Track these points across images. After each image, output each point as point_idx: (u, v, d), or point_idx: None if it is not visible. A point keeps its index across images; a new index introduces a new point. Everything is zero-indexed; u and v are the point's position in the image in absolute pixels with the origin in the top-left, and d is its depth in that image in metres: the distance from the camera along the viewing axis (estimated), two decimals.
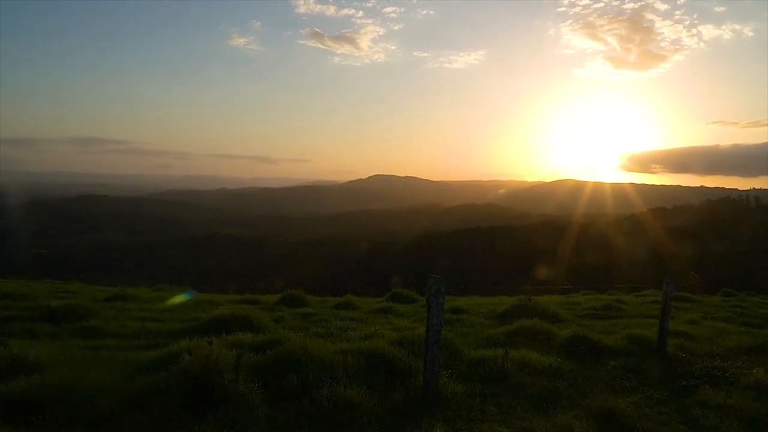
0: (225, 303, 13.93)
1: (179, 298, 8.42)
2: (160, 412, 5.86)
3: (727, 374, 9.13)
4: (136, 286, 18.06)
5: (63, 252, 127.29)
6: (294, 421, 5.98)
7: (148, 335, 9.64)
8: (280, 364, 7.10)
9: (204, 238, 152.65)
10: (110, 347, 8.44)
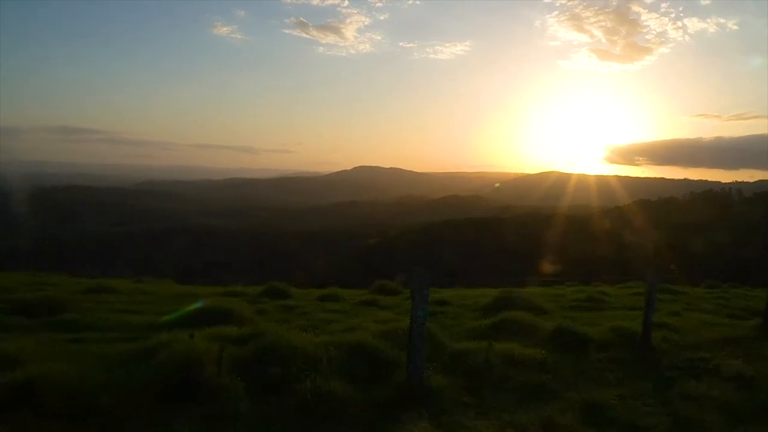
0: (207, 295, 13.82)
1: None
2: (141, 406, 5.77)
3: (710, 366, 9.16)
4: (117, 278, 17.87)
5: (41, 243, 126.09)
6: (277, 414, 5.91)
7: (128, 328, 9.50)
8: (262, 357, 7.03)
9: (186, 230, 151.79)
10: (88, 340, 8.31)
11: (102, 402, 5.74)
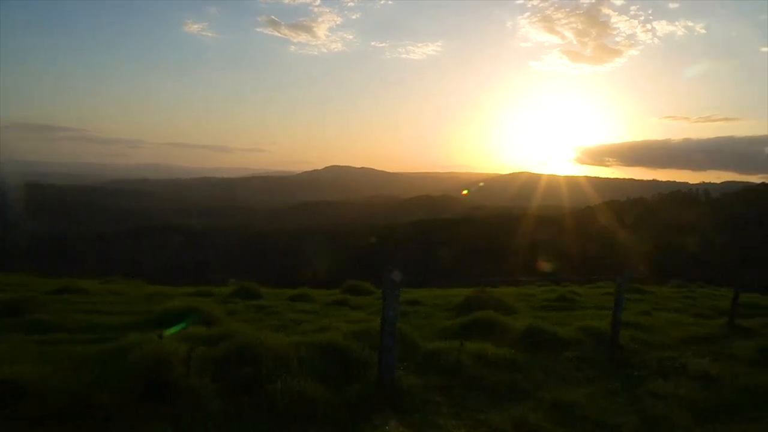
0: (177, 295, 13.70)
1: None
2: (109, 408, 5.69)
3: (678, 364, 9.30)
4: (86, 279, 17.64)
5: (7, 243, 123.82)
6: (247, 414, 5.88)
7: (96, 329, 9.38)
8: (233, 358, 6.98)
9: (157, 229, 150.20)
10: (55, 341, 8.18)
11: (71, 404, 5.66)
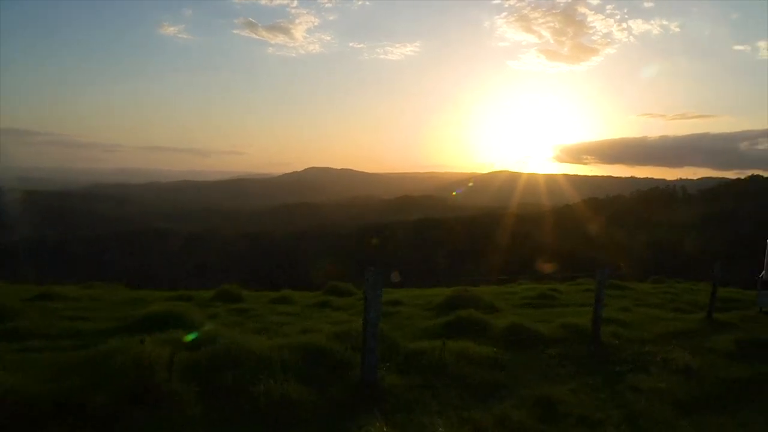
0: (158, 300, 13.61)
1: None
2: (90, 414, 5.64)
3: (658, 359, 9.40)
4: (65, 284, 17.44)
5: None
6: (230, 419, 5.85)
7: (77, 335, 9.29)
8: (215, 362, 6.95)
9: (136, 233, 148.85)
10: (35, 349, 8.07)
11: (52, 410, 5.61)
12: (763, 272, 13.62)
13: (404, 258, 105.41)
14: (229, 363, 6.88)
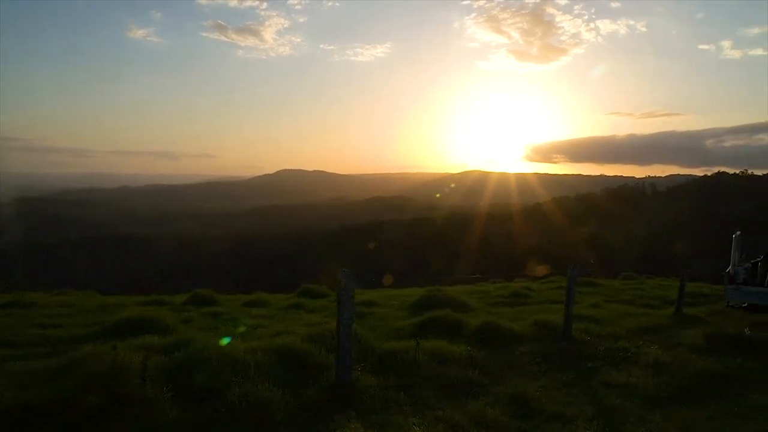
0: (131, 305, 13.50)
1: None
2: (62, 422, 5.59)
3: (629, 354, 9.53)
4: (35, 292, 17.21)
5: None
6: (205, 422, 5.83)
7: (48, 342, 9.19)
8: (189, 366, 6.92)
9: (108, 239, 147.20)
10: (5, 357, 7.98)
11: (21, 421, 5.55)
12: (730, 267, 13.85)
13: (377, 259, 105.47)
14: (203, 367, 6.86)
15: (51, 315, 12.08)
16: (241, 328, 10.77)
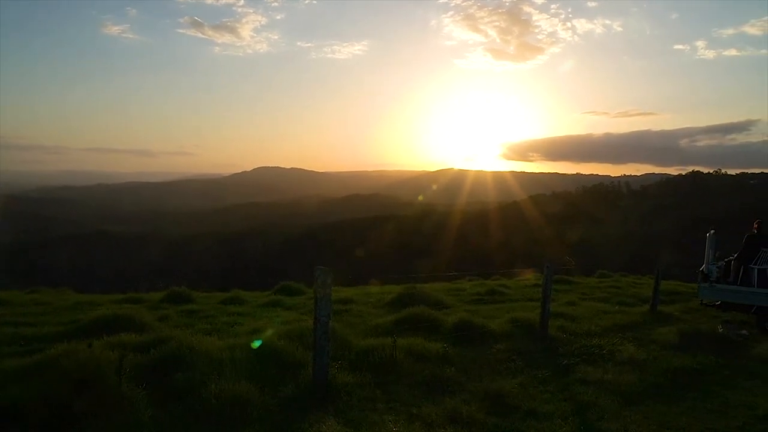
0: (106, 303, 13.38)
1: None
2: (37, 422, 5.52)
3: (604, 351, 9.62)
4: (8, 290, 17.01)
5: None
6: (181, 421, 5.79)
7: (22, 341, 9.09)
8: (165, 364, 6.89)
9: (83, 236, 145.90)
10: None
11: None
12: (704, 266, 14.01)
13: (354, 256, 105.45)
14: (180, 365, 6.83)
15: (25, 314, 11.93)
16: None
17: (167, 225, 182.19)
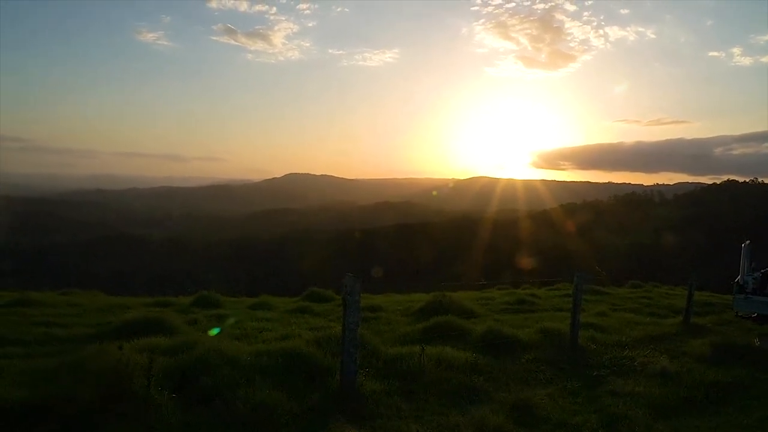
0: (136, 306, 13.51)
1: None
2: (65, 422, 5.58)
3: (635, 363, 9.48)
4: (41, 291, 17.23)
5: None
6: (209, 425, 5.81)
7: (54, 341, 9.21)
8: (194, 368, 6.92)
9: (115, 239, 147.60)
10: (11, 355, 8.00)
11: (25, 418, 5.55)
12: (739, 277, 13.75)
13: (384, 263, 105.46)
14: (208, 369, 6.85)
15: (58, 315, 12.10)
16: (231, 320, 10.80)
17: (197, 230, 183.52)
